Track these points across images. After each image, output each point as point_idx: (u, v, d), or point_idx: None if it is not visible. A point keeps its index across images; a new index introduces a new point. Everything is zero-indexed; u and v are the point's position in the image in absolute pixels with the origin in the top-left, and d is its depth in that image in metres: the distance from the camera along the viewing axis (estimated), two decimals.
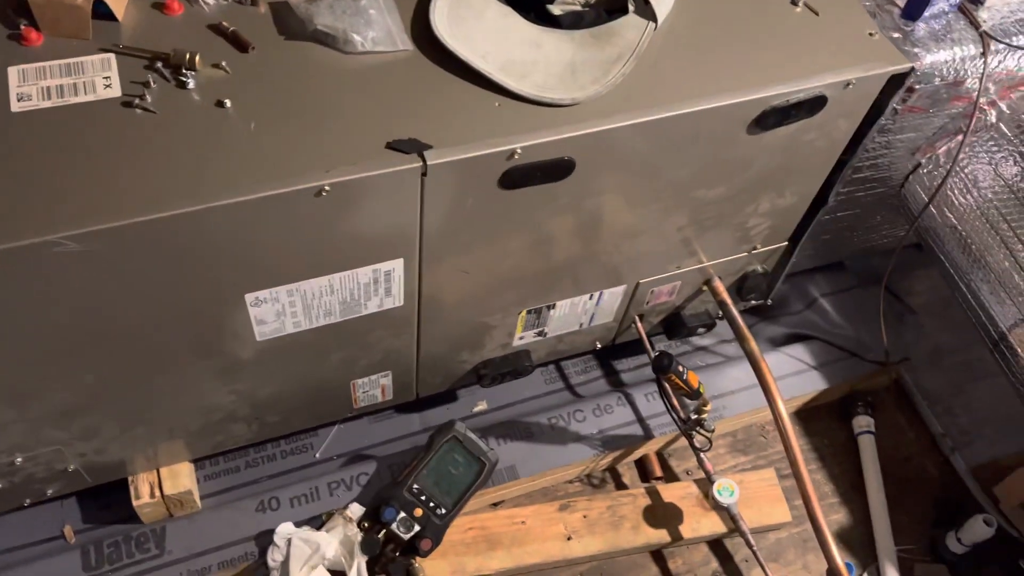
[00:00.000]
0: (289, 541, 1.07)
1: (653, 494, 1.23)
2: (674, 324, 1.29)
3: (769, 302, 1.35)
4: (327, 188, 0.78)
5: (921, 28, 1.04)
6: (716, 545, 1.25)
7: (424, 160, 0.81)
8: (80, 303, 0.79)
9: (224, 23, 0.86)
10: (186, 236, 0.77)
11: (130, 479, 1.10)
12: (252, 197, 0.76)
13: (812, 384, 1.35)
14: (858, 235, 1.36)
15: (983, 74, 1.06)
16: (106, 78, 0.80)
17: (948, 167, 1.15)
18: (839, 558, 1.10)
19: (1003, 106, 1.14)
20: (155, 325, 0.87)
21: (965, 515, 1.24)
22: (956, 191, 1.18)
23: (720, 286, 1.23)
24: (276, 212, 0.79)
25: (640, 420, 1.28)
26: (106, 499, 1.12)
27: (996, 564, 1.25)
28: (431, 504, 1.11)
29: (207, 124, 0.80)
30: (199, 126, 0.79)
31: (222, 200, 0.75)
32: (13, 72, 0.79)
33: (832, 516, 1.29)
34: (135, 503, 1.08)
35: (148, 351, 0.90)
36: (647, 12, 0.93)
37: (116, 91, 0.80)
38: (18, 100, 0.77)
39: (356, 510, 1.11)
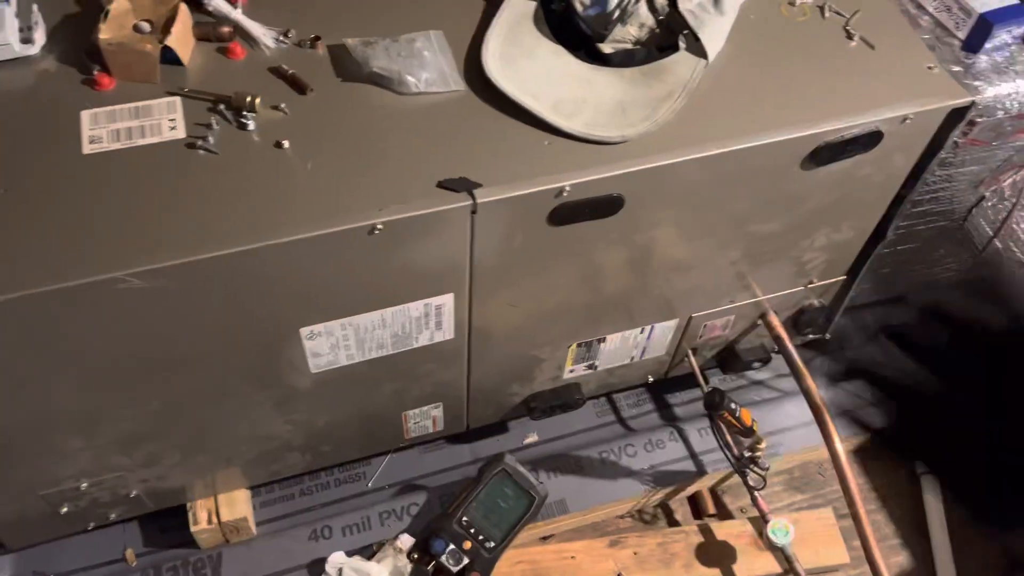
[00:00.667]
0: (340, 571, 1.08)
1: (706, 532, 1.21)
2: (728, 358, 1.28)
3: (827, 336, 1.33)
4: (380, 226, 0.80)
5: (983, 60, 1.02)
6: None
7: (474, 198, 0.82)
8: (143, 337, 0.82)
9: (284, 66, 0.89)
10: (245, 272, 0.80)
11: (188, 505, 1.13)
12: (308, 235, 0.78)
13: (871, 422, 1.32)
14: (919, 268, 1.32)
15: None
16: (171, 120, 0.84)
17: (1014, 200, 1.12)
18: None
19: None
20: (215, 357, 0.90)
21: None
22: (1022, 225, 1.14)
23: (775, 320, 1.21)
24: (331, 249, 0.81)
25: (693, 456, 1.26)
26: (165, 524, 1.15)
27: None
28: (480, 537, 1.11)
29: (266, 164, 0.82)
30: (258, 166, 0.82)
31: (280, 238, 0.78)
32: (86, 116, 0.83)
33: (892, 559, 1.25)
34: (193, 529, 1.11)
35: (208, 382, 0.93)
36: (698, 49, 0.93)
37: (181, 132, 0.83)
38: (90, 142, 0.81)
39: (406, 541, 1.12)
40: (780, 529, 1.12)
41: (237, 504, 1.13)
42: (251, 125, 0.84)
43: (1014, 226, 1.15)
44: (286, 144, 0.84)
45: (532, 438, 1.31)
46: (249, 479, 1.15)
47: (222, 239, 0.77)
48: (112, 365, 0.85)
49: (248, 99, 0.85)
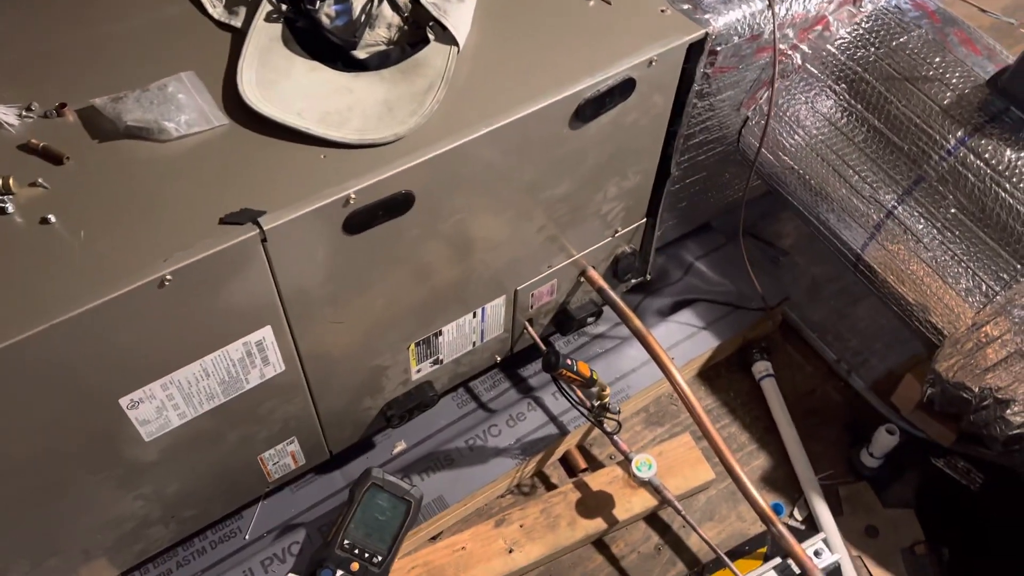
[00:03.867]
0: None
1: (582, 487, 1.26)
2: (563, 320, 1.33)
3: (648, 277, 1.40)
4: (168, 277, 0.78)
5: None
6: (653, 519, 1.28)
7: (260, 226, 0.82)
8: None
9: (33, 140, 0.86)
10: (40, 358, 0.76)
11: None
12: (95, 304, 0.76)
13: (706, 344, 1.41)
14: (714, 195, 1.42)
15: (774, 23, 1.13)
16: None
17: (767, 114, 1.22)
18: (764, 502, 1.15)
19: (804, 47, 1.22)
20: (38, 453, 0.85)
21: (874, 430, 1.30)
22: (784, 134, 1.25)
23: (594, 274, 1.27)
24: (124, 312, 0.78)
25: (553, 420, 1.31)
26: None
27: (910, 468, 1.32)
28: (366, 555, 1.11)
29: (35, 243, 0.79)
30: (27, 247, 0.79)
31: (64, 315, 0.75)
32: None
33: (753, 463, 1.34)
34: None
35: (39, 480, 0.88)
36: (447, 37, 0.97)
37: None
38: None
39: None
40: (643, 463, 1.18)
41: None
42: (10, 207, 0.81)
43: (778, 137, 1.25)
44: (52, 218, 0.81)
45: (400, 446, 1.31)
46: (117, 566, 1.10)
47: (3, 331, 0.73)
48: None
49: (0, 181, 0.81)
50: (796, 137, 1.23)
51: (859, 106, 1.17)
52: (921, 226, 1.11)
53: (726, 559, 1.15)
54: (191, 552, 1.20)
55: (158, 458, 0.96)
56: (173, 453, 0.97)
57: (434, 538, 1.24)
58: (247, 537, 1.21)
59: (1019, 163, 1.05)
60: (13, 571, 0.96)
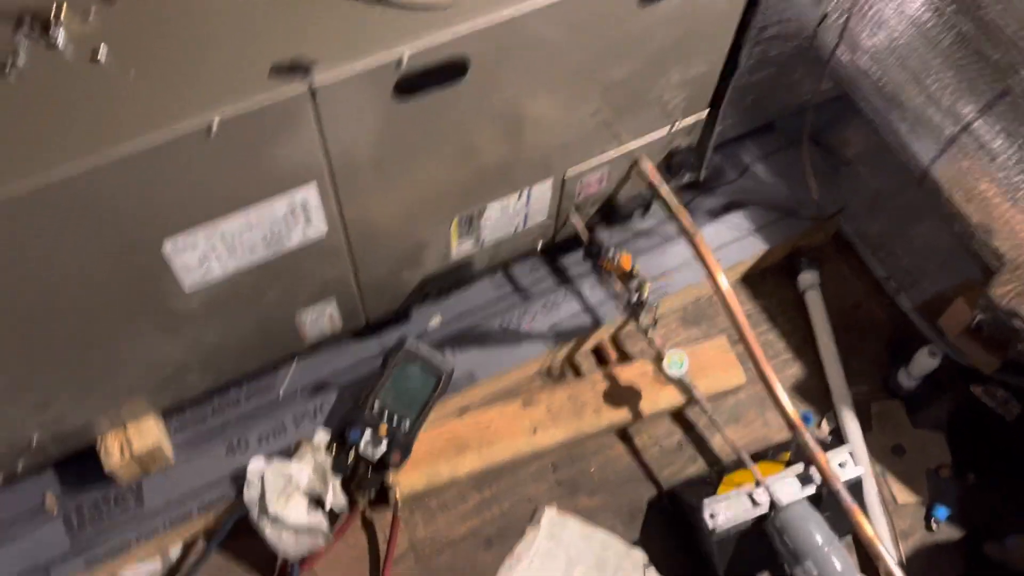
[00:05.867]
0: (262, 476, 1.10)
1: (611, 377, 1.26)
2: (610, 211, 1.30)
3: (702, 175, 1.36)
4: (215, 127, 0.77)
5: None
6: (678, 417, 1.29)
7: (311, 82, 0.80)
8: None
9: None
10: (88, 195, 0.77)
11: (99, 440, 1.12)
12: (142, 147, 0.76)
13: (753, 248, 1.38)
14: (781, 94, 1.36)
15: None
16: None
17: (850, 10, 1.14)
18: (793, 409, 1.14)
19: None
20: (84, 290, 0.87)
21: (914, 352, 1.28)
22: (864, 34, 1.17)
23: (648, 167, 1.23)
24: (171, 157, 0.78)
25: (589, 310, 1.30)
26: (82, 467, 1.15)
27: (947, 392, 1.30)
28: (395, 420, 1.14)
29: (85, 80, 0.78)
30: (76, 84, 0.78)
31: (111, 157, 0.75)
32: None
33: (787, 372, 1.33)
34: (107, 465, 1.10)
35: (84, 317, 0.90)
36: None
37: None
38: None
39: (322, 436, 1.14)
40: (675, 360, 1.18)
41: (148, 434, 1.13)
42: (61, 42, 0.80)
43: (857, 38, 1.18)
44: (102, 56, 0.79)
45: (436, 321, 1.32)
46: (154, 405, 1.14)
47: (51, 166, 0.73)
48: None
49: (53, 12, 0.80)
50: (877, 38, 1.16)
51: (950, 8, 1.09)
52: (999, 143, 1.05)
53: (747, 459, 1.16)
54: (226, 401, 1.24)
55: (198, 308, 0.98)
56: (213, 304, 0.99)
57: (462, 412, 1.27)
58: (281, 393, 1.25)
59: None
60: (57, 401, 1.00)
